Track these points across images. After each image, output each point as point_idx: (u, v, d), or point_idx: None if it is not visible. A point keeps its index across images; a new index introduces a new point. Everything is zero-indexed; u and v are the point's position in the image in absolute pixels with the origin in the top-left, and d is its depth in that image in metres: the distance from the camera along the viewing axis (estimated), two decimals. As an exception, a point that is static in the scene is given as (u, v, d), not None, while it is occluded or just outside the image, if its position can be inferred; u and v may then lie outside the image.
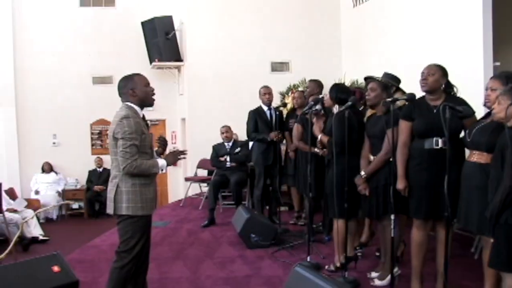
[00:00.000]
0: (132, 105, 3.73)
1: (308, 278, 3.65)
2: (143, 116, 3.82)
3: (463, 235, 5.29)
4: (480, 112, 4.11)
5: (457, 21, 6.59)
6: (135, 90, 3.73)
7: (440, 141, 3.90)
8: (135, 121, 3.62)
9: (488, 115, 3.69)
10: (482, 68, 6.00)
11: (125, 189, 3.67)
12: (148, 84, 3.84)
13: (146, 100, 3.81)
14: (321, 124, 5.19)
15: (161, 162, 3.79)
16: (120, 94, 3.78)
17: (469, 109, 3.63)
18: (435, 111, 3.95)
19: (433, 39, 7.07)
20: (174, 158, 4.00)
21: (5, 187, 10.06)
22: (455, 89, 4.10)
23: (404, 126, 4.12)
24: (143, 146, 3.68)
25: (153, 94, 3.85)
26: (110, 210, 3.74)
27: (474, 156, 3.67)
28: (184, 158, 4.09)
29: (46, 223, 10.73)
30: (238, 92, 9.82)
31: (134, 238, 3.69)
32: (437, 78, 3.99)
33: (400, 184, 4.08)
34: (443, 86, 4.02)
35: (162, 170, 3.78)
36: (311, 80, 6.96)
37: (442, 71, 4.03)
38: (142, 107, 3.80)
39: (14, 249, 6.84)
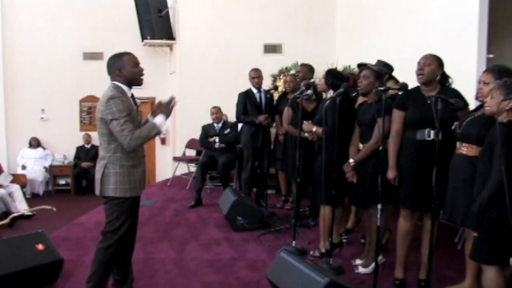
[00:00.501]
0: (120, 84, 3.66)
1: (293, 264, 3.67)
2: (132, 95, 3.75)
3: (448, 225, 5.31)
4: (472, 104, 4.10)
5: (453, 10, 6.52)
6: (122, 70, 3.65)
7: (432, 132, 3.88)
8: (121, 100, 3.55)
9: (479, 107, 3.68)
10: (476, 59, 5.95)
11: (113, 170, 3.62)
12: (137, 64, 3.74)
13: (134, 81, 3.73)
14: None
15: (157, 119, 3.67)
16: (109, 73, 3.71)
17: (462, 102, 3.60)
18: (429, 102, 3.92)
19: (428, 27, 7.02)
20: (167, 108, 3.77)
21: (-10, 161, 10.04)
22: (450, 80, 4.07)
23: (397, 116, 4.09)
24: (133, 122, 3.63)
25: (142, 74, 3.76)
26: (97, 191, 3.70)
27: (463, 149, 3.67)
28: (174, 104, 3.91)
29: (33, 198, 10.68)
30: (230, 72, 9.74)
31: (120, 219, 3.65)
32: (433, 69, 3.95)
33: (391, 174, 4.08)
34: (439, 77, 4.00)
35: (164, 127, 3.70)
36: (303, 64, 6.92)
37: (438, 62, 3.99)
38: (130, 87, 3.73)
39: (-1, 224, 6.83)
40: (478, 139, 3.48)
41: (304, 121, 4.97)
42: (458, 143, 3.80)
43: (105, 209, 3.75)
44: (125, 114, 3.52)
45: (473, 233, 3.37)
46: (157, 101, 4.11)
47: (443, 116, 3.53)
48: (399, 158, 4.10)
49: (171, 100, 3.79)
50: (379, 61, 4.86)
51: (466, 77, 5.58)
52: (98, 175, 3.68)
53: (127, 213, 3.70)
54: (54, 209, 3.91)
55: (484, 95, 3.49)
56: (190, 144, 9.57)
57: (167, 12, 10.67)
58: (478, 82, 3.71)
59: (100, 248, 3.72)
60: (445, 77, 4.05)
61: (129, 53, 3.76)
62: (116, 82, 3.67)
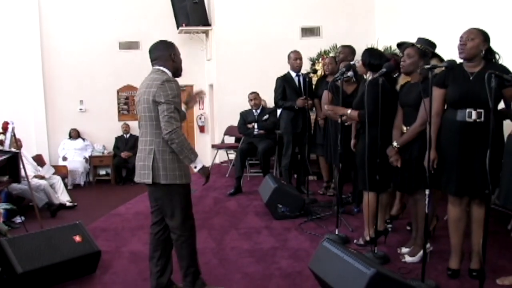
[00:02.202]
0: (166, 70, 3.59)
1: (336, 254, 3.50)
2: None
3: (499, 211, 5.05)
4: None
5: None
6: (175, 56, 3.65)
7: (473, 113, 3.64)
8: (176, 85, 3.50)
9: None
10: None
11: (163, 156, 3.52)
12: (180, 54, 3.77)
13: (179, 69, 3.74)
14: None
15: (200, 163, 3.57)
16: (157, 56, 3.62)
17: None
18: (471, 78, 3.68)
19: (475, 1, 6.66)
20: (194, 99, 3.94)
21: (33, 153, 10.14)
22: (497, 56, 3.78)
23: (437, 94, 3.82)
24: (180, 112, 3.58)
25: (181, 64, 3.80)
26: (146, 179, 3.56)
27: (521, 130, 3.42)
28: (202, 98, 3.93)
29: (74, 189, 10.77)
30: (267, 57, 9.55)
31: (179, 206, 3.59)
32: (477, 44, 3.67)
33: (430, 156, 3.86)
34: (483, 52, 3.71)
35: (195, 167, 3.56)
36: (343, 46, 6.66)
37: (483, 36, 3.71)
38: (173, 75, 3.65)
39: (41, 215, 6.86)
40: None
41: (349, 110, 4.74)
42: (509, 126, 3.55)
43: (157, 199, 3.68)
44: (177, 101, 3.47)
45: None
46: (195, 89, 4.07)
47: (486, 94, 3.22)
48: (439, 140, 3.86)
49: (200, 92, 3.91)
50: (420, 39, 4.62)
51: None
52: (147, 162, 3.55)
53: (184, 198, 3.63)
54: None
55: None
56: (229, 131, 9.46)
57: (202, -2, 10.52)
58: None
59: (181, 243, 3.66)
60: (490, 53, 3.76)
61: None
62: (163, 68, 3.59)
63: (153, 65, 3.65)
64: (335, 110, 4.89)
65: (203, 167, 3.60)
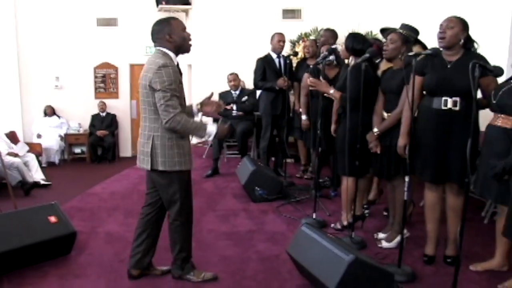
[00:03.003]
0: (167, 51, 3.47)
1: (315, 239, 3.50)
2: (177, 63, 3.54)
3: (474, 198, 5.10)
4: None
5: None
6: (172, 36, 3.46)
7: (449, 101, 3.64)
8: (173, 70, 3.37)
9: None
10: (510, 24, 5.55)
11: (162, 142, 3.45)
12: (185, 28, 3.57)
13: (183, 46, 3.54)
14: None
15: (210, 128, 3.50)
16: (155, 39, 3.50)
17: (501, 69, 3.30)
18: (448, 66, 3.68)
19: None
20: (224, 134, 3.79)
21: (6, 130, 9.93)
22: (475, 45, 3.77)
23: (414, 81, 3.82)
24: (179, 97, 3.44)
25: (190, 39, 3.58)
26: (145, 164, 3.52)
27: (499, 120, 3.44)
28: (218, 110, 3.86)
29: (48, 167, 10.62)
30: (247, 38, 9.52)
31: (178, 193, 3.56)
32: (456, 32, 3.65)
33: (401, 141, 3.90)
34: (462, 41, 3.69)
35: (209, 136, 3.52)
36: (326, 29, 6.60)
37: (462, 24, 3.68)
38: (177, 54, 3.53)
39: (14, 194, 6.74)
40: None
41: (332, 89, 4.72)
42: (493, 114, 3.56)
43: (155, 183, 3.63)
44: (174, 87, 3.34)
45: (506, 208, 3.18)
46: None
47: (464, 82, 3.23)
48: (415, 127, 3.85)
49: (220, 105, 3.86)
50: (403, 25, 4.60)
51: (498, 42, 5.29)
52: (145, 148, 3.50)
53: (183, 186, 3.59)
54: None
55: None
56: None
57: (183, -24, 10.37)
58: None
59: (175, 227, 3.67)
60: (469, 41, 3.74)
61: (176, 18, 3.59)
62: (163, 49, 3.47)
63: (155, 46, 3.54)
64: (318, 86, 4.82)
65: (217, 132, 3.54)
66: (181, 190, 3.57)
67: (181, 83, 3.47)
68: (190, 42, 3.57)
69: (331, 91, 4.70)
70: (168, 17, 3.57)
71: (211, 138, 3.55)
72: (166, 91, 3.30)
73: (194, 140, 9.10)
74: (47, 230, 4.10)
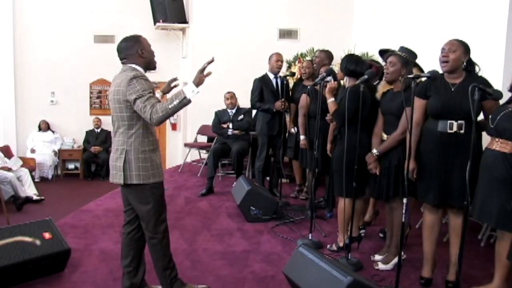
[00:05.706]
0: (137, 67, 3.48)
1: (312, 260, 3.48)
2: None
3: (470, 221, 5.10)
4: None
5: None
6: (144, 52, 3.50)
7: (454, 124, 3.65)
8: (145, 80, 3.37)
9: (512, 100, 3.44)
10: (504, 46, 5.62)
11: (135, 156, 3.44)
12: (150, 45, 3.62)
13: (152, 63, 3.60)
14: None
15: (186, 87, 3.34)
16: (125, 56, 3.51)
17: (500, 92, 3.32)
18: (453, 89, 3.70)
19: (452, 11, 6.71)
20: (199, 76, 3.42)
21: (0, 144, 9.89)
22: (477, 68, 3.80)
23: (417, 104, 3.82)
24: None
25: (154, 56, 3.65)
26: (118, 179, 3.50)
27: (496, 144, 3.45)
28: (209, 74, 3.55)
29: (41, 182, 10.56)
30: (244, 58, 9.52)
31: (153, 206, 3.51)
32: (459, 56, 3.68)
33: (411, 166, 3.86)
34: (464, 64, 3.73)
35: (193, 91, 3.33)
36: (321, 50, 6.63)
37: (464, 48, 3.72)
38: (146, 70, 3.56)
39: (7, 209, 6.68)
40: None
41: (331, 99, 4.71)
42: (488, 138, 3.58)
43: (130, 198, 3.60)
44: (149, 92, 3.33)
45: (507, 233, 3.17)
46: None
47: (469, 106, 3.21)
48: (419, 150, 3.87)
49: (204, 68, 3.49)
50: (402, 48, 4.62)
51: (494, 65, 5.33)
52: (118, 163, 3.49)
53: (158, 198, 3.56)
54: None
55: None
56: (202, 130, 9.38)
57: (180, -6, 10.42)
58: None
59: (153, 245, 3.61)
60: (471, 64, 3.77)
61: (141, 35, 3.61)
62: (132, 65, 3.48)
63: (123, 63, 3.55)
64: (329, 86, 4.79)
65: (191, 88, 3.34)
66: (156, 204, 3.54)
67: (154, 93, 3.46)
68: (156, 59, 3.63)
69: (331, 99, 4.70)
70: (135, 34, 3.57)
71: (194, 92, 3.35)
72: (142, 96, 3.29)
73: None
74: (41, 247, 4.05)
